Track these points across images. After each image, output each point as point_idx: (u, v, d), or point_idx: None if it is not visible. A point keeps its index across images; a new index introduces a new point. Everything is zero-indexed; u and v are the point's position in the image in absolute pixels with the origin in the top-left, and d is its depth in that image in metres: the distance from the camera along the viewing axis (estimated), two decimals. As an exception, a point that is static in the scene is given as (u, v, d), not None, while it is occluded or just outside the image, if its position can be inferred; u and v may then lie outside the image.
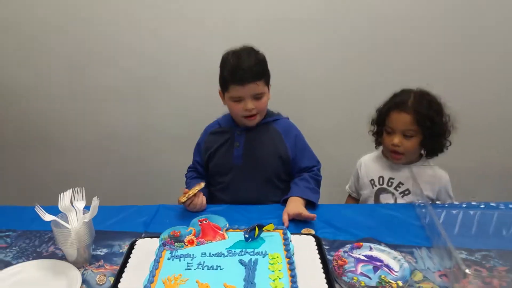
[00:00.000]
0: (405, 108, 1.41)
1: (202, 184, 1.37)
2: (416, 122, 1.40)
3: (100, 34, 2.09)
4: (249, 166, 1.48)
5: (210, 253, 1.03)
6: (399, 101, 1.45)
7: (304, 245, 1.11)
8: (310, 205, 1.39)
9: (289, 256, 1.00)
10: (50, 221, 1.10)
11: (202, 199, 1.38)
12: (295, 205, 1.34)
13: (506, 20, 1.92)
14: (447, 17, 1.94)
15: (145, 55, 2.11)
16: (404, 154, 1.46)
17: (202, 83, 2.05)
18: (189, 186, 1.38)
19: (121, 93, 2.20)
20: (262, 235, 1.09)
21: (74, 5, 2.04)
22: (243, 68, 1.35)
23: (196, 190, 1.34)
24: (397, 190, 1.52)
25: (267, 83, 1.44)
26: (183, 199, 1.32)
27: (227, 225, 1.14)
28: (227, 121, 1.54)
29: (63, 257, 1.13)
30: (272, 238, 1.08)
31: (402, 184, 1.51)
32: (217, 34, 2.00)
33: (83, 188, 1.17)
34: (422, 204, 1.29)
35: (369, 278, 0.99)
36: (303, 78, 2.10)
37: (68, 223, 1.11)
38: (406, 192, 1.51)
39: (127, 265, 1.07)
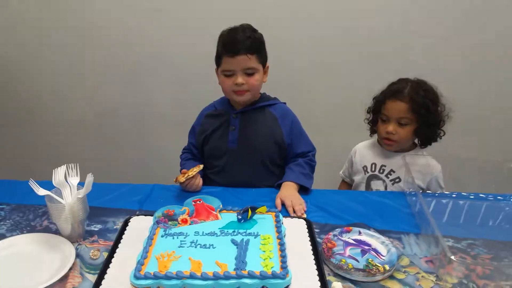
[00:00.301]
0: (401, 96, 1.43)
1: (201, 166, 1.38)
2: (412, 110, 1.42)
3: (97, 11, 2.07)
4: (244, 149, 1.48)
5: (203, 232, 1.05)
6: (395, 89, 1.47)
7: (295, 228, 1.14)
8: (304, 190, 1.41)
9: (280, 238, 1.02)
10: (44, 196, 1.10)
11: (199, 181, 1.39)
12: (289, 191, 1.36)
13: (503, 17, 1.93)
14: (446, 9, 1.94)
15: (144, 34, 2.09)
16: (397, 141, 1.48)
17: (200, 65, 2.02)
18: (184, 167, 1.39)
19: (118, 71, 2.19)
20: (255, 217, 1.11)
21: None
22: (236, 39, 1.35)
23: (195, 172, 1.35)
24: (388, 178, 1.55)
25: (262, 62, 1.41)
26: (182, 179, 1.33)
27: (221, 206, 1.16)
28: (223, 104, 1.54)
29: (57, 232, 1.14)
30: (264, 220, 1.10)
31: (394, 171, 1.54)
32: (216, 18, 1.98)
33: (77, 164, 1.18)
34: (413, 193, 1.32)
35: (357, 261, 1.02)
36: (301, 65, 2.10)
37: (62, 198, 1.12)
38: (397, 180, 1.53)
39: (121, 241, 1.09)
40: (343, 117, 2.08)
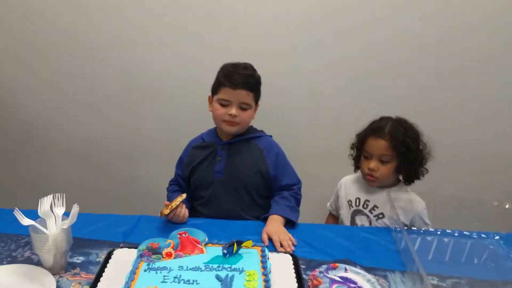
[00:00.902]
0: (382, 134, 1.46)
1: (184, 195, 1.38)
2: (392, 148, 1.45)
3: (91, 38, 2.09)
4: (230, 180, 1.50)
5: (187, 266, 1.03)
6: (377, 127, 1.50)
7: (281, 263, 1.13)
8: (290, 223, 1.41)
9: (266, 274, 1.01)
10: (28, 226, 1.08)
11: (184, 211, 1.39)
12: (275, 225, 1.36)
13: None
14: (437, 47, 2.01)
15: (135, 62, 2.11)
16: (379, 178, 1.50)
17: (190, 95, 2.07)
18: (170, 199, 1.38)
19: (107, 99, 2.20)
20: (241, 251, 1.10)
21: (66, 7, 2.04)
22: (240, 74, 1.43)
23: (179, 202, 1.34)
24: (372, 213, 1.56)
25: (255, 100, 1.49)
26: (166, 211, 1.32)
27: (206, 239, 1.15)
28: (211, 136, 1.57)
29: (38, 263, 1.12)
30: (250, 255, 1.09)
31: (377, 207, 1.55)
32: (210, 48, 2.03)
33: (64, 194, 1.17)
34: (398, 229, 1.32)
35: (343, 299, 1.01)
36: (287, 99, 2.13)
37: (47, 229, 1.10)
38: (380, 216, 1.54)
39: (103, 274, 1.07)
40: (330, 150, 2.10)
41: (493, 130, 2.13)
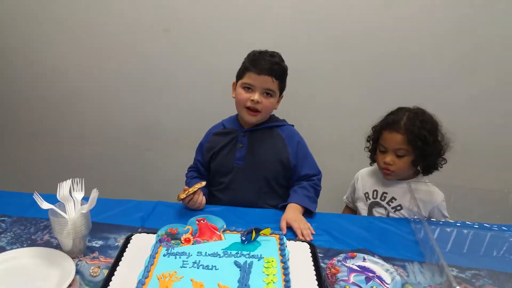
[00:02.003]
0: (398, 128, 1.44)
1: (203, 183, 1.38)
2: (408, 142, 1.42)
3: (109, 22, 2.08)
4: (250, 168, 1.50)
5: (206, 252, 1.03)
6: (392, 120, 1.47)
7: (299, 252, 1.12)
8: (308, 213, 1.40)
9: (284, 261, 1.01)
10: (47, 209, 1.09)
11: (202, 198, 1.39)
12: (294, 214, 1.35)
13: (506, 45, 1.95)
14: (452, 34, 1.96)
15: (152, 51, 2.11)
16: (395, 171, 1.48)
17: (207, 82, 2.06)
18: (189, 185, 1.38)
19: (125, 88, 2.20)
20: (259, 238, 1.09)
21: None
22: (265, 60, 1.42)
23: (196, 188, 1.34)
24: (390, 205, 1.54)
25: (280, 90, 1.48)
26: (183, 195, 1.33)
27: (225, 226, 1.15)
28: (232, 122, 1.56)
29: (57, 246, 1.13)
30: (268, 243, 1.09)
31: (395, 199, 1.53)
32: (224, 37, 2.01)
33: (83, 179, 1.17)
34: (417, 220, 1.31)
35: (361, 288, 1.00)
36: (310, 90, 2.11)
37: (66, 213, 1.11)
38: (398, 208, 1.52)
39: (122, 258, 1.07)
40: (349, 142, 2.08)
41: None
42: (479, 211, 1.39)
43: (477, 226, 1.38)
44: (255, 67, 1.41)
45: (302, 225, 1.28)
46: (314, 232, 1.28)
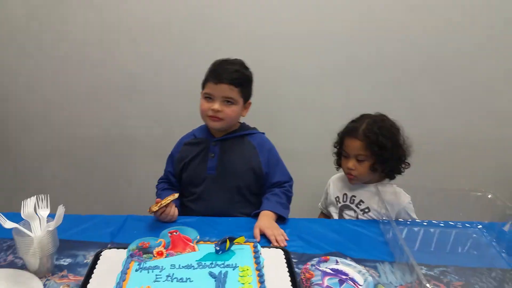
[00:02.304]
0: (356, 134, 1.49)
1: (176, 195, 1.36)
2: (366, 148, 1.48)
3: (80, 36, 2.04)
4: (222, 177, 1.49)
5: (179, 265, 1.02)
6: (352, 127, 1.53)
7: (274, 258, 1.13)
8: (281, 219, 1.42)
9: (259, 269, 1.01)
10: (11, 229, 1.05)
11: (174, 210, 1.37)
12: (267, 221, 1.35)
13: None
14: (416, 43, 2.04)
15: (122, 59, 2.07)
16: (357, 176, 1.53)
17: (178, 93, 2.05)
18: (160, 197, 1.37)
19: (92, 98, 2.15)
20: (233, 247, 1.09)
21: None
22: (224, 69, 1.42)
23: (169, 201, 1.33)
24: (358, 208, 1.58)
25: (243, 97, 1.47)
26: (155, 208, 1.30)
27: (198, 237, 1.14)
28: (203, 132, 1.56)
29: (23, 267, 1.09)
30: (242, 251, 1.09)
31: (363, 202, 1.57)
32: (200, 45, 2.01)
33: (48, 195, 1.14)
34: (386, 221, 1.35)
35: (336, 291, 1.02)
36: (278, 98, 2.13)
37: (31, 231, 1.07)
38: (366, 210, 1.57)
39: (92, 276, 1.04)
40: (321, 149, 2.12)
41: (474, 119, 2.18)
42: (443, 210, 1.44)
43: (442, 225, 1.43)
44: (213, 76, 1.42)
45: (276, 232, 1.29)
46: (287, 238, 1.29)
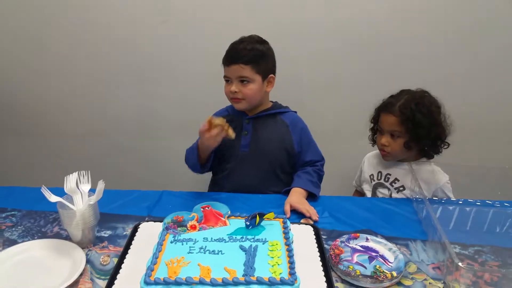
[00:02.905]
0: (392, 110, 1.46)
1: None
2: (401, 124, 1.44)
3: (99, 17, 2.07)
4: (254, 154, 1.51)
5: (211, 238, 1.05)
6: (389, 102, 1.50)
7: (303, 234, 1.15)
8: (311, 197, 1.43)
9: (288, 244, 1.03)
10: (55, 202, 1.12)
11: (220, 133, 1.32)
12: (298, 197, 1.37)
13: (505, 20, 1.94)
14: (448, 15, 1.95)
15: (150, 43, 2.11)
16: (390, 153, 1.50)
17: (207, 70, 2.06)
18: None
19: (124, 79, 2.20)
20: (263, 223, 1.11)
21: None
22: (234, 50, 1.42)
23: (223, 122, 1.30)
24: (393, 186, 1.56)
25: (260, 73, 1.43)
26: (217, 121, 1.29)
27: (229, 212, 1.17)
28: (236, 109, 1.56)
29: (67, 238, 1.16)
30: (272, 226, 1.11)
31: (398, 180, 1.55)
32: (222, 26, 2.01)
33: (89, 171, 1.20)
34: (419, 199, 1.32)
35: (364, 267, 1.02)
36: (311, 75, 2.11)
37: (74, 205, 1.14)
38: (401, 188, 1.54)
39: (131, 247, 1.10)
40: (353, 127, 2.09)
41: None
42: (481, 188, 1.40)
43: (479, 204, 1.39)
44: (225, 59, 1.43)
45: (308, 207, 1.31)
46: (318, 216, 1.30)
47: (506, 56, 2.00)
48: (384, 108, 1.50)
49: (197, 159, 1.45)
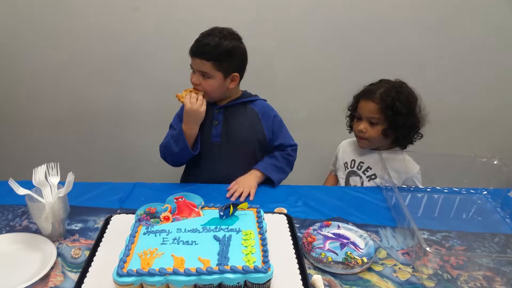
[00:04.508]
0: (372, 97, 1.48)
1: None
2: (380, 111, 1.47)
3: (75, 9, 2.02)
4: (226, 144, 1.51)
5: (185, 229, 1.05)
6: (369, 90, 1.52)
7: (276, 223, 1.16)
8: (271, 182, 1.46)
9: (262, 233, 1.03)
10: (24, 195, 1.09)
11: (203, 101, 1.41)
12: (246, 177, 1.43)
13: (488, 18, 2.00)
14: (422, 6, 1.99)
15: (122, 30, 2.07)
16: (367, 139, 1.53)
17: (181, 60, 2.04)
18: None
19: (96, 68, 2.16)
20: (237, 213, 1.12)
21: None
22: (198, 41, 1.40)
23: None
24: (365, 174, 1.59)
25: (221, 70, 1.40)
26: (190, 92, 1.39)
27: (203, 203, 1.16)
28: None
29: (37, 231, 1.13)
30: (246, 216, 1.11)
31: (370, 168, 1.58)
32: (198, 19, 1.97)
33: (57, 163, 1.17)
34: (389, 187, 1.36)
35: (336, 254, 1.05)
36: (282, 64, 2.12)
37: (43, 198, 1.11)
38: (373, 177, 1.58)
39: (103, 239, 1.09)
40: (328, 114, 2.11)
41: (480, 90, 2.16)
42: (448, 176, 1.45)
43: (446, 191, 1.44)
44: (190, 49, 1.41)
45: (240, 188, 1.36)
46: (251, 198, 1.36)
47: (479, 50, 2.07)
48: (364, 95, 1.53)
49: (185, 142, 1.43)
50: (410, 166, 1.54)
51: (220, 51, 1.37)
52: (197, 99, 1.40)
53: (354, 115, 1.59)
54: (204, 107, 1.40)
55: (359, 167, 1.61)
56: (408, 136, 1.51)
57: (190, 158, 1.50)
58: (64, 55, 2.13)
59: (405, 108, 1.46)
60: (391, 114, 1.45)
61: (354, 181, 1.61)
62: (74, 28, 2.06)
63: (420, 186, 1.54)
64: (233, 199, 1.35)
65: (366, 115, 1.50)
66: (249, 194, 1.38)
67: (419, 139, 1.53)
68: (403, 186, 1.52)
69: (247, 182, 1.42)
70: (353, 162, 1.63)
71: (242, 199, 1.34)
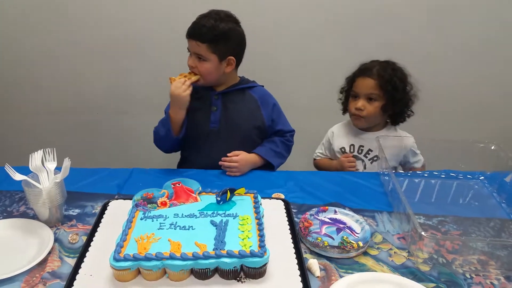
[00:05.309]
0: (370, 74, 1.50)
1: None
2: (379, 86, 1.48)
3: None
4: (225, 130, 1.50)
5: (182, 214, 1.05)
6: (365, 68, 1.54)
7: (274, 209, 1.17)
8: (270, 167, 1.47)
9: (258, 218, 1.04)
10: (20, 181, 1.09)
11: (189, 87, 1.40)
12: (248, 160, 1.44)
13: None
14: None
15: (119, 17, 2.05)
16: (365, 117, 1.54)
17: (177, 48, 2.02)
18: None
19: (93, 55, 2.15)
20: (234, 198, 1.12)
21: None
22: (195, 24, 1.39)
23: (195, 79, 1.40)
24: (367, 157, 1.60)
25: (216, 53, 1.39)
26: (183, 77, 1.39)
27: (200, 188, 1.17)
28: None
29: (34, 217, 1.14)
30: (243, 202, 1.11)
31: (371, 151, 1.59)
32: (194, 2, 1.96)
33: (54, 149, 1.17)
34: (386, 172, 1.36)
35: (332, 238, 1.05)
36: (278, 49, 2.10)
37: (39, 183, 1.11)
38: (375, 159, 1.58)
39: (100, 224, 1.10)
40: (324, 102, 2.11)
41: (479, 76, 2.16)
42: (445, 161, 1.45)
43: (443, 176, 1.44)
44: (187, 31, 1.40)
45: (229, 161, 1.40)
46: (235, 172, 1.42)
47: (478, 39, 2.07)
48: (361, 72, 1.54)
49: (170, 127, 1.42)
50: (405, 140, 1.57)
51: (215, 33, 1.36)
52: (184, 84, 1.38)
53: (348, 95, 1.59)
54: (188, 92, 1.38)
55: (359, 151, 1.61)
56: (402, 112, 1.54)
57: (177, 145, 1.49)
58: (60, 41, 2.12)
59: (402, 84, 1.49)
60: (391, 88, 1.47)
61: (357, 165, 1.61)
62: (71, 14, 2.04)
63: (418, 152, 1.58)
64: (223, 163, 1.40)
65: (364, 92, 1.51)
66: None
67: (411, 116, 1.57)
68: (406, 162, 1.56)
69: (244, 165, 1.43)
70: (352, 147, 1.63)
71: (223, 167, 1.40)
